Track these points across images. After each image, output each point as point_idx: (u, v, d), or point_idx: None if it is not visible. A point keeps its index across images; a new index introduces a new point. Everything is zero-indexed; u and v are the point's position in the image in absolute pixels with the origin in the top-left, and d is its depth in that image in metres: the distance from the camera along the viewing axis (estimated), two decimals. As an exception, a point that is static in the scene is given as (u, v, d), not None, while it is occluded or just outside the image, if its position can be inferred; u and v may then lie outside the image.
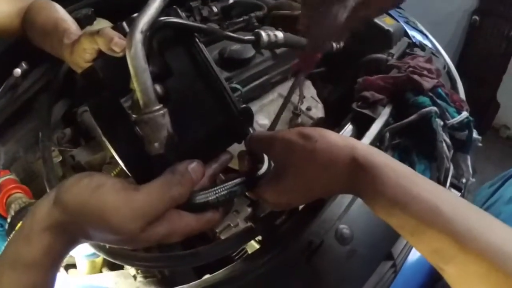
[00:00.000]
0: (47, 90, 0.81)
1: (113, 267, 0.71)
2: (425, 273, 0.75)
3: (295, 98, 0.85)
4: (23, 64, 0.80)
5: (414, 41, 1.07)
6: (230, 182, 0.45)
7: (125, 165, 0.45)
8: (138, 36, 0.37)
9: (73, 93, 0.86)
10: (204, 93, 0.45)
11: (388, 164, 0.40)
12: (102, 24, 0.93)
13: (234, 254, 0.68)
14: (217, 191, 0.43)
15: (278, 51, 0.84)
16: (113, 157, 0.75)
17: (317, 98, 0.88)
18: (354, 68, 0.94)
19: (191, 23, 0.47)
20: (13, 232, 0.62)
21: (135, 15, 0.47)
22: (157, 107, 0.38)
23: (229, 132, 0.48)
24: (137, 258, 0.51)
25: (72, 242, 0.40)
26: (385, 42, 0.96)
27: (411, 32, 1.15)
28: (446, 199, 0.37)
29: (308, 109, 0.83)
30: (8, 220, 0.64)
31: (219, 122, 0.46)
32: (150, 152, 0.38)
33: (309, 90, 0.88)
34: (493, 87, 2.23)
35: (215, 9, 0.99)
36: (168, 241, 0.39)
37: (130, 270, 0.67)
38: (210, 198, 0.42)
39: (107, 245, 0.52)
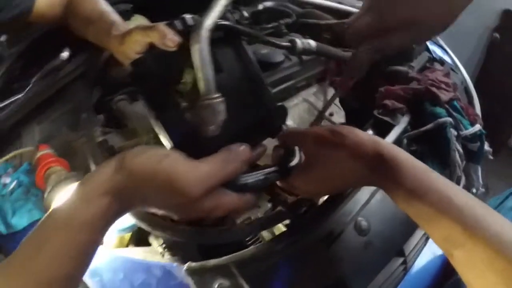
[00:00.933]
0: (87, 75, 0.88)
1: (138, 244, 0.78)
2: (433, 276, 0.81)
3: (318, 103, 0.93)
4: (66, 51, 0.87)
5: (434, 56, 1.14)
6: (266, 169, 0.52)
7: (175, 147, 0.53)
8: (205, 34, 0.45)
9: (105, 83, 0.94)
10: (248, 89, 0.53)
11: (408, 159, 0.47)
12: (139, 20, 1.01)
13: (248, 240, 0.74)
14: (256, 176, 0.50)
15: (304, 58, 0.91)
16: (149, 143, 0.82)
17: (339, 105, 0.95)
18: (376, 77, 1.01)
19: (240, 27, 0.55)
20: (60, 198, 0.66)
21: (185, 15, 0.55)
22: (217, 95, 0.45)
23: (266, 126, 0.56)
24: (176, 230, 0.57)
25: (127, 207, 0.46)
26: (406, 55, 1.02)
27: (432, 47, 1.21)
28: (458, 193, 0.43)
29: (331, 114, 0.91)
30: (48, 189, 0.69)
31: (259, 115, 0.53)
32: (207, 133, 0.46)
33: (332, 96, 0.96)
34: (510, 107, 2.27)
35: (245, 14, 1.06)
36: (213, 215, 0.47)
37: (158, 248, 0.74)
38: (249, 181, 0.50)
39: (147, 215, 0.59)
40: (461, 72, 1.19)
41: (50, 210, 0.44)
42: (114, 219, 0.45)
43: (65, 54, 0.85)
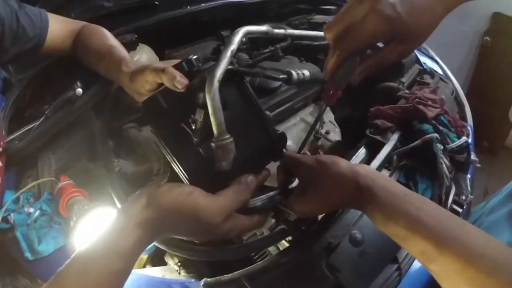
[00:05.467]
0: (101, 107, 0.96)
1: (154, 264, 0.89)
2: (429, 278, 0.90)
3: (315, 122, 1.03)
4: (78, 83, 0.95)
5: (425, 67, 1.24)
6: (271, 193, 0.62)
7: (188, 178, 0.62)
8: (216, 84, 0.56)
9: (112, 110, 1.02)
10: (251, 121, 0.64)
11: (384, 187, 0.55)
12: (144, 50, 1.11)
13: (255, 255, 0.85)
14: (262, 199, 0.61)
15: (301, 80, 1.01)
16: (160, 169, 0.92)
17: (334, 123, 1.06)
18: (369, 93, 1.11)
19: (242, 68, 0.64)
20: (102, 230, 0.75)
21: (191, 56, 0.65)
22: (227, 136, 0.56)
23: (269, 152, 0.66)
24: (195, 250, 0.68)
25: (157, 236, 0.55)
26: (397, 71, 1.13)
27: (422, 58, 1.31)
28: (429, 213, 0.50)
29: (327, 132, 1.01)
30: (73, 219, 0.78)
31: (262, 144, 0.64)
32: (220, 169, 0.56)
33: (328, 115, 1.06)
34: (505, 107, 2.37)
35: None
36: (229, 236, 0.57)
37: (174, 266, 0.84)
38: (257, 204, 0.60)
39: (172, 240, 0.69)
40: (451, 82, 1.28)
41: (89, 241, 0.50)
42: (145, 247, 0.54)
43: (79, 90, 0.93)
